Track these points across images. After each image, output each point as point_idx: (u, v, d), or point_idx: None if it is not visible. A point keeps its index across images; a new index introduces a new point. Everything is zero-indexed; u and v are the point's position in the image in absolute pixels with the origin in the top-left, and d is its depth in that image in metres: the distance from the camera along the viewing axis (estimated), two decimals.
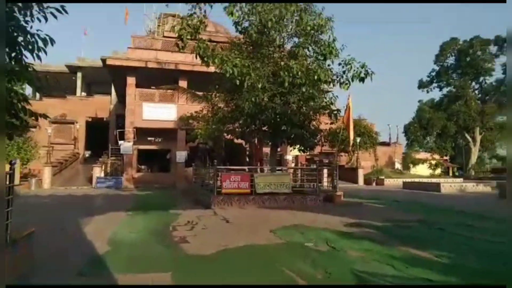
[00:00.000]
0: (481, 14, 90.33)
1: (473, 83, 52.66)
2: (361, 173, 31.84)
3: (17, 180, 20.85)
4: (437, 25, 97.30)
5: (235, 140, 26.99)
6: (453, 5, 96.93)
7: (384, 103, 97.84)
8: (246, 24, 13.90)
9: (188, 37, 12.28)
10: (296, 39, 14.33)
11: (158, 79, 23.69)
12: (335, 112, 14.30)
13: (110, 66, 24.30)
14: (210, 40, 13.97)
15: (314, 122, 14.83)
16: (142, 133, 25.57)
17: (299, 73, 12.64)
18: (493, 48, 50.52)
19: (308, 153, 16.73)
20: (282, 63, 13.48)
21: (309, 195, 14.44)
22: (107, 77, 28.07)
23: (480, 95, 52.21)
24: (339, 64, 13.70)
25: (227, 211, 12.46)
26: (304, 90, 13.06)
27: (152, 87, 24.69)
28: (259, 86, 12.17)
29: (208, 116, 16.07)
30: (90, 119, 34.70)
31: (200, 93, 17.36)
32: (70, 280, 5.02)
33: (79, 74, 37.21)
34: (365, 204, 14.99)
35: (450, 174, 46.55)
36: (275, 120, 13.82)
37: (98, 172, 24.65)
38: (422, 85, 55.43)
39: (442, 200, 17.02)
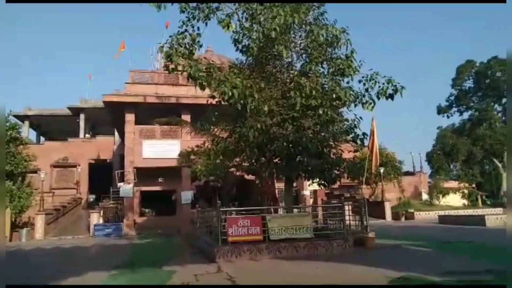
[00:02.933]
0: (496, 34, 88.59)
1: (496, 105, 50.02)
2: (388, 207, 28.84)
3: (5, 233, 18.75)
4: (452, 48, 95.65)
5: (246, 176, 24.80)
6: (466, 27, 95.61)
7: (399, 131, 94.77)
8: (246, 41, 11.94)
9: (179, 58, 10.31)
10: (307, 55, 12.21)
11: (159, 115, 21.84)
12: (361, 136, 11.90)
13: (107, 103, 22.66)
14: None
15: (334, 150, 12.40)
16: (144, 174, 23.46)
17: (313, 92, 10.44)
18: None
19: (327, 188, 14.14)
20: (292, 82, 11.34)
21: (335, 239, 11.80)
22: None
23: (504, 117, 49.34)
24: (359, 81, 11.50)
25: (235, 265, 9.96)
26: (320, 112, 10.77)
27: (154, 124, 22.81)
28: (266, 109, 9.96)
29: (208, 149, 13.85)
30: (93, 161, 33.02)
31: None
32: None
33: (82, 116, 35.98)
34: (404, 247, 12.25)
35: (480, 203, 42.80)
36: (288, 149, 11.48)
37: (96, 218, 22.39)
38: (441, 110, 52.94)
39: (495, 237, 14.13)
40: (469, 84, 51.73)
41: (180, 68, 10.64)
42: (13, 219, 21.36)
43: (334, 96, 10.54)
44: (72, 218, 26.63)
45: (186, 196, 22.76)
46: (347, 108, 12.38)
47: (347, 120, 11.86)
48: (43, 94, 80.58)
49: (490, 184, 47.54)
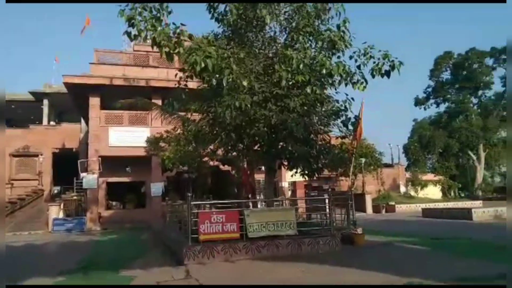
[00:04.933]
0: (475, 25, 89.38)
1: (472, 98, 50.11)
2: (369, 200, 27.94)
3: None
4: (431, 38, 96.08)
5: (222, 167, 23.21)
6: (446, 16, 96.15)
7: (374, 122, 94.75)
8: (223, 8, 10.33)
9: (143, 22, 8.57)
10: (292, 28, 10.69)
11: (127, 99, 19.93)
12: (353, 120, 10.51)
13: (69, 85, 20.53)
14: None
15: (322, 136, 10.95)
16: (111, 163, 21.51)
17: (301, 66, 8.93)
18: (489, 61, 48.33)
19: (311, 178, 12.73)
20: (276, 56, 9.83)
21: (321, 236, 10.44)
22: None
23: (479, 110, 49.51)
24: (351, 57, 10.06)
25: (206, 269, 8.47)
26: (308, 90, 9.28)
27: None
28: (245, 84, 8.38)
29: (178, 134, 12.18)
30: (57, 150, 30.58)
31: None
32: None
33: (45, 102, 33.32)
34: (396, 244, 11.03)
35: (454, 195, 42.65)
36: (269, 134, 9.97)
37: (55, 212, 20.32)
38: (418, 101, 52.74)
39: (489, 232, 13.19)
40: (446, 75, 51.71)
41: (144, 34, 8.91)
42: None
43: (324, 71, 9.07)
44: (31, 212, 24.38)
45: (156, 188, 21.02)
46: (336, 87, 10.99)
47: (337, 101, 10.41)
48: (5, 78, 75.83)
49: (465, 177, 47.69)
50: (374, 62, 9.67)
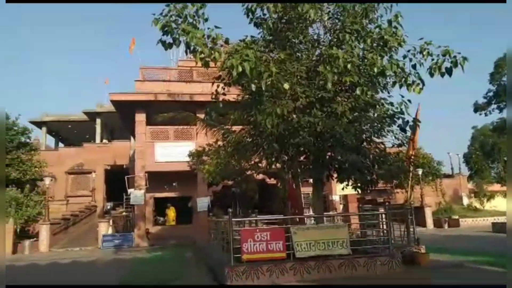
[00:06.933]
0: None
1: None
2: (429, 213, 25.75)
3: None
4: (488, 41, 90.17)
5: (268, 180, 22.41)
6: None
7: (430, 129, 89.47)
8: (261, 12, 9.71)
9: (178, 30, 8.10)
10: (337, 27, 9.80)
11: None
12: (411, 123, 9.34)
13: (116, 103, 20.88)
14: None
15: (375, 144, 9.84)
16: (157, 179, 21.46)
17: (349, 66, 8.00)
18: None
19: (365, 191, 11.58)
20: (320, 58, 8.96)
21: (378, 256, 9.29)
22: None
23: None
24: (404, 56, 8.97)
25: None
26: (358, 92, 8.31)
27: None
28: (286, 87, 7.59)
29: (219, 146, 11.60)
30: (109, 167, 31.38)
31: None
32: None
33: (98, 121, 34.57)
34: (468, 265, 9.57)
35: None
36: (315, 143, 9.06)
37: (104, 228, 20.49)
38: (478, 107, 48.96)
39: None
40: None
41: (178, 42, 8.45)
42: (18, 229, 19.76)
43: (375, 70, 8.08)
44: (84, 228, 24.95)
45: (202, 202, 20.59)
46: (389, 90, 9.91)
47: (391, 103, 9.30)
48: (61, 101, 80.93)
49: None
50: (432, 59, 8.56)
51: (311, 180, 11.26)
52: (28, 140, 25.91)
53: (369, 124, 9.28)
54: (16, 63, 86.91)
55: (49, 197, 24.10)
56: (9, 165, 22.64)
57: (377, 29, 9.16)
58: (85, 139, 34.76)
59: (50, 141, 39.83)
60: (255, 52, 7.69)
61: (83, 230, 24.60)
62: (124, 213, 22.85)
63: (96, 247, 19.88)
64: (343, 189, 10.57)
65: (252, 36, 9.50)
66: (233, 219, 9.04)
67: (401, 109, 9.04)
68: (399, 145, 10.54)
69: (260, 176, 17.36)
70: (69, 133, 39.27)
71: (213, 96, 10.32)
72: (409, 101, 9.01)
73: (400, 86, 9.19)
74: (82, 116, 35.19)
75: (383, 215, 10.46)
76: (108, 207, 30.82)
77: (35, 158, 25.06)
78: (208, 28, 8.08)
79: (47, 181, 21.57)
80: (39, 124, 35.97)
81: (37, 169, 24.59)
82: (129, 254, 16.42)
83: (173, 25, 8.11)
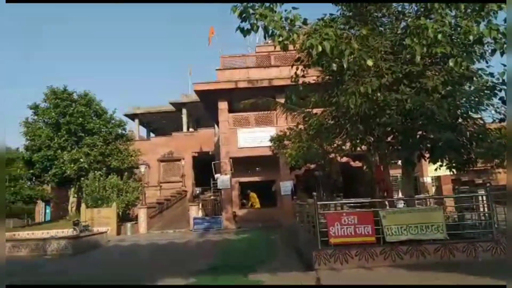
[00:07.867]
0: None
1: None
2: None
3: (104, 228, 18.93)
4: None
5: (352, 163, 21.81)
6: None
7: None
8: None
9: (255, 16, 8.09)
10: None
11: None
12: None
13: (199, 92, 21.81)
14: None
15: (471, 121, 8.95)
16: (241, 164, 22.16)
17: (439, 36, 7.31)
18: None
19: (461, 172, 10.68)
20: (406, 31, 8.32)
21: (479, 241, 8.56)
22: None
23: None
24: (505, 20, 7.93)
25: (339, 277, 7.62)
26: (451, 64, 7.58)
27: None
28: (370, 64, 7.20)
29: (300, 130, 11.50)
30: (196, 154, 33.19)
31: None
32: None
33: (184, 111, 36.47)
34: None
35: None
36: (404, 122, 8.53)
37: (195, 212, 21.77)
38: None
39: None
40: None
41: (256, 28, 8.46)
42: (120, 212, 21.87)
43: (471, 39, 7.29)
44: (176, 212, 26.77)
45: (286, 186, 20.81)
46: (486, 60, 8.89)
47: (491, 74, 8.35)
48: (150, 94, 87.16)
49: None
50: None
51: (399, 162, 10.68)
52: (124, 132, 28.40)
53: (465, 99, 8.45)
54: (108, 61, 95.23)
55: (144, 183, 26.32)
56: (110, 155, 25.07)
57: None
58: (173, 129, 36.91)
59: (142, 131, 43.14)
60: (335, 30, 7.41)
61: (176, 214, 26.42)
62: (212, 197, 23.98)
63: (188, 229, 21.24)
64: (436, 170, 9.86)
65: (331, 14, 9.15)
66: (318, 203, 8.95)
67: (503, 80, 8.07)
68: (501, 120, 9.47)
69: (344, 159, 16.99)
70: (158, 123, 42.05)
71: (293, 79, 10.21)
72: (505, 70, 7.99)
73: (502, 54, 8.18)
74: (169, 107, 37.40)
75: (484, 197, 9.54)
76: (197, 192, 32.62)
77: (131, 148, 27.39)
78: (285, 10, 7.96)
79: (142, 168, 23.45)
80: (132, 117, 38.99)
81: (133, 158, 26.86)
82: (219, 236, 17.29)
83: (251, 11, 8.11)
